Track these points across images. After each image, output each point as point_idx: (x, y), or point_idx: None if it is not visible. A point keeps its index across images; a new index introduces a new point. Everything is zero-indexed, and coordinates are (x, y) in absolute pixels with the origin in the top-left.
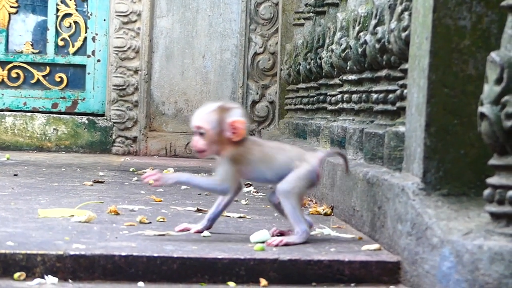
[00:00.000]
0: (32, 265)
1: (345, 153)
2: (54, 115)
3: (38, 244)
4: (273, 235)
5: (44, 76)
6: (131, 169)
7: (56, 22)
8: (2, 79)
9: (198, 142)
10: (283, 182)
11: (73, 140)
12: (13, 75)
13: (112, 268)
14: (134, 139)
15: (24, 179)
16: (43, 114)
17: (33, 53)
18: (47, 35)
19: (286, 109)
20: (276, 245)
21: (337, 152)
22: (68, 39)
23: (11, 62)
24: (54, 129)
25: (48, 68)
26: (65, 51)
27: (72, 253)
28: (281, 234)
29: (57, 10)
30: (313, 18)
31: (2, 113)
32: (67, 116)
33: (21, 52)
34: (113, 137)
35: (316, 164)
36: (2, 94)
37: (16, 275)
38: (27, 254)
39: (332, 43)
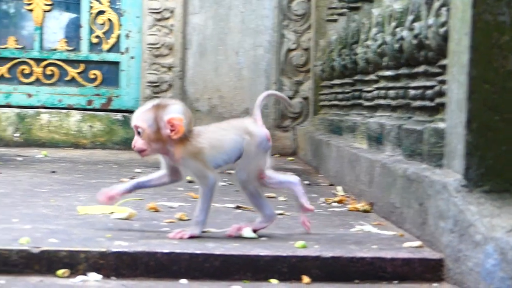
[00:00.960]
0: (75, 262)
1: (277, 92)
2: (89, 112)
3: (81, 241)
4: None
5: (78, 73)
6: None
7: (90, 19)
8: (37, 77)
9: (137, 142)
10: (239, 171)
11: (108, 136)
12: (48, 72)
13: (155, 265)
14: None
15: (61, 176)
16: (78, 111)
17: (67, 50)
18: (81, 32)
19: (320, 105)
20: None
21: (268, 94)
22: (101, 36)
23: (45, 60)
24: (89, 126)
25: (82, 65)
26: (99, 48)
27: (114, 250)
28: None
29: (91, 7)
30: (346, 14)
31: (37, 110)
32: (102, 113)
33: (56, 49)
34: None
35: (261, 130)
36: (38, 92)
37: (59, 272)
38: (70, 251)
39: (368, 39)
